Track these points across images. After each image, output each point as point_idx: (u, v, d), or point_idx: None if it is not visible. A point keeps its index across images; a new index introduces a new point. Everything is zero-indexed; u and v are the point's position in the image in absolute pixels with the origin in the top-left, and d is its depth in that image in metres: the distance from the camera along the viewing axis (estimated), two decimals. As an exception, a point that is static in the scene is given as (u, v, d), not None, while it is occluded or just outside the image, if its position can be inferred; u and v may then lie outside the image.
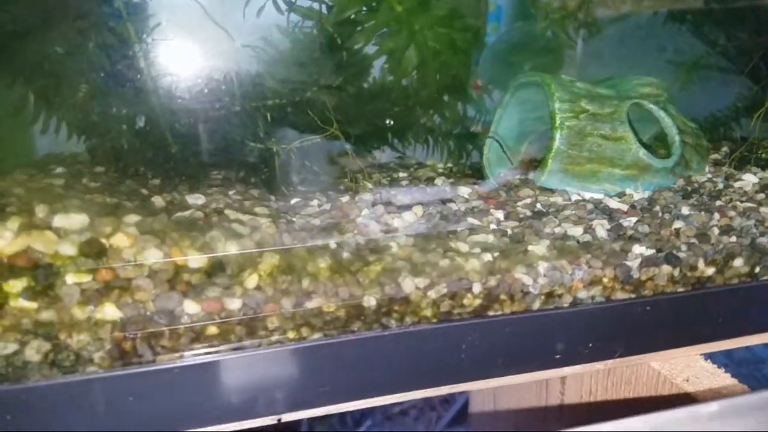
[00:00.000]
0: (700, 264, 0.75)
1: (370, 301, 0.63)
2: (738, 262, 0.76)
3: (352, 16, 0.73)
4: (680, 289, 0.74)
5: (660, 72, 1.16)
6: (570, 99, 0.93)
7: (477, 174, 1.04)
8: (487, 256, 0.70)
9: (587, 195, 0.93)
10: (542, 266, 0.70)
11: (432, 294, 0.66)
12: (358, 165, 0.97)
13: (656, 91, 1.02)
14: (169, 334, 0.59)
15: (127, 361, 0.58)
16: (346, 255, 0.66)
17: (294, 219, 0.75)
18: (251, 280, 0.60)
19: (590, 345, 0.69)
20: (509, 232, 0.79)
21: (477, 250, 0.73)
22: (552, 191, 0.94)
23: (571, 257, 0.72)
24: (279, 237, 0.64)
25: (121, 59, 0.77)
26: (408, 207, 0.84)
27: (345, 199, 0.85)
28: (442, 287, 0.66)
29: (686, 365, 0.85)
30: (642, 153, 0.94)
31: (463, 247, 0.73)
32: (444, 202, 0.88)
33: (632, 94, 1.00)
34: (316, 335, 0.61)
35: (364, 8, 0.73)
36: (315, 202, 0.84)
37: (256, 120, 0.85)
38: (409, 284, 0.64)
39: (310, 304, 0.60)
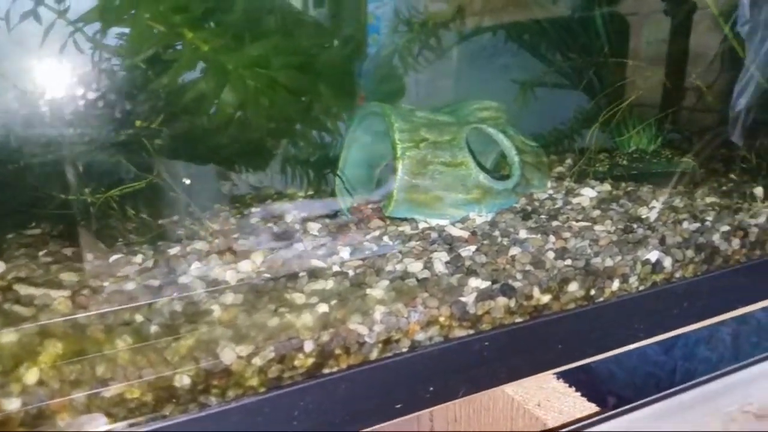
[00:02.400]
0: (536, 292, 0.71)
1: (183, 380, 0.54)
2: (573, 287, 0.73)
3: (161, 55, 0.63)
4: (518, 320, 0.71)
5: (506, 91, 1.15)
6: (410, 128, 0.88)
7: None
8: (323, 307, 0.63)
9: (434, 222, 0.88)
10: (378, 312, 0.63)
11: (257, 361, 0.58)
12: (195, 206, 0.87)
13: (495, 114, 0.99)
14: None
15: None
16: (155, 328, 0.56)
17: (105, 284, 0.64)
18: (31, 375, 0.49)
19: (431, 389, 0.64)
20: (351, 274, 0.72)
21: (314, 299, 0.65)
22: (402, 220, 0.89)
23: (408, 298, 0.66)
24: (73, 313, 0.54)
25: None
26: (247, 253, 0.76)
27: (175, 250, 0.75)
28: (269, 352, 0.58)
29: (538, 387, 0.82)
30: (482, 177, 0.90)
31: (300, 298, 0.65)
32: (290, 242, 0.80)
33: (471, 119, 0.97)
34: (120, 426, 0.51)
35: (177, 45, 0.64)
36: (139, 258, 0.73)
37: (72, 167, 0.73)
38: (229, 354, 0.56)
39: (109, 393, 0.50)
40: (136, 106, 0.69)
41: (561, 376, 0.83)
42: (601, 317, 0.75)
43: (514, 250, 0.77)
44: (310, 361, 0.60)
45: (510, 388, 0.81)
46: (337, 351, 0.61)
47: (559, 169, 1.12)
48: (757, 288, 0.84)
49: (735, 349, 1.52)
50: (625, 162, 0.98)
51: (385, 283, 0.69)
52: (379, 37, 1.15)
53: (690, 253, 0.80)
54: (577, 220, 0.86)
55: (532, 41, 1.05)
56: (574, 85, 1.04)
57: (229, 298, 0.64)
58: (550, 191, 1.00)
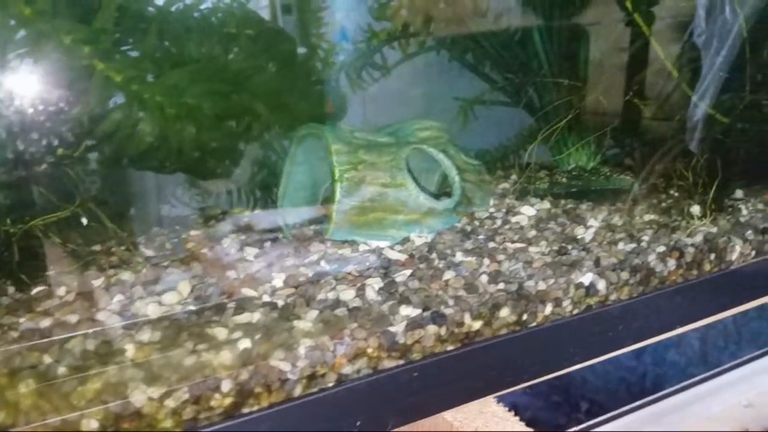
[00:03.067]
0: (467, 319, 0.70)
1: (90, 424, 0.52)
2: (504, 312, 0.72)
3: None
4: (450, 347, 0.69)
5: (452, 110, 1.14)
6: (348, 150, 0.86)
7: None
8: (245, 343, 0.61)
9: (375, 243, 0.87)
10: (303, 347, 0.62)
11: (171, 402, 0.55)
12: (132, 231, 0.84)
13: (436, 133, 0.98)
14: None
15: None
16: (63, 369, 0.54)
17: (20, 320, 0.61)
18: None
19: (358, 423, 0.62)
20: (280, 304, 0.70)
21: (238, 334, 0.63)
22: (343, 243, 0.87)
23: (335, 330, 0.64)
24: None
25: None
26: (175, 284, 0.73)
27: (99, 281, 0.72)
28: (184, 392, 0.56)
29: (479, 412, 0.81)
30: (422, 197, 0.89)
31: (222, 333, 0.63)
32: (222, 270, 0.78)
33: (412, 140, 0.95)
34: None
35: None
36: (62, 290, 0.70)
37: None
38: (140, 396, 0.54)
39: (7, 445, 0.48)
40: (59, 134, 0.66)
41: (500, 399, 0.83)
42: (534, 342, 0.74)
43: (449, 274, 0.76)
44: (228, 400, 0.58)
45: (449, 414, 0.80)
46: (258, 389, 0.59)
47: (504, 185, 1.11)
48: (695, 308, 0.84)
49: (703, 353, 1.54)
50: (564, 180, 0.98)
51: (315, 313, 0.67)
52: (347, 46, 1.13)
53: (625, 275, 0.80)
54: (513, 241, 0.85)
55: (475, 59, 1.04)
56: (516, 102, 1.03)
57: (146, 335, 0.61)
58: (492, 209, 0.99)
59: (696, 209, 0.88)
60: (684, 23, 0.98)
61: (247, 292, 0.72)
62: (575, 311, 0.77)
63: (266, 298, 0.70)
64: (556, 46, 0.95)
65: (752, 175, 1.00)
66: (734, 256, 0.88)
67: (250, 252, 0.82)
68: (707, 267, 0.86)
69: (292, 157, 0.90)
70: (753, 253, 0.90)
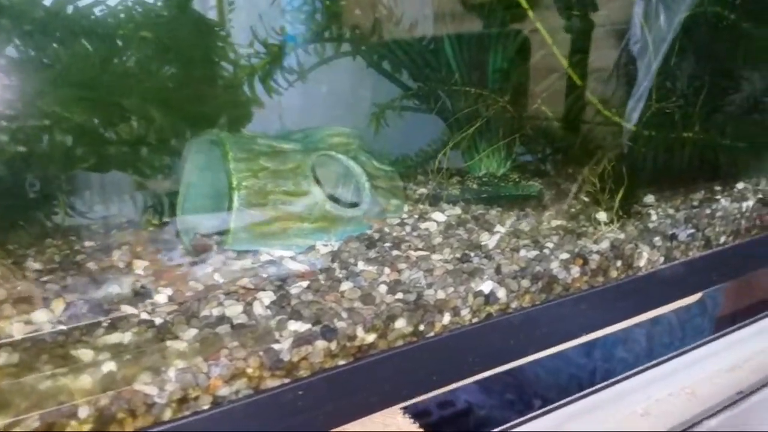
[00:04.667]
0: (359, 332, 0.67)
1: None
2: (400, 323, 0.69)
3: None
4: (341, 362, 0.66)
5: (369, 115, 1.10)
6: (247, 157, 0.81)
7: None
8: (110, 366, 0.56)
9: (278, 253, 0.82)
10: (173, 369, 0.57)
11: (19, 430, 0.50)
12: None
13: (346, 140, 0.94)
14: None
15: None
16: None
17: None
18: None
19: (236, 446, 0.58)
20: (158, 322, 0.65)
21: (104, 356, 0.58)
22: (245, 253, 0.83)
23: (212, 350, 0.60)
24: None
25: None
26: (49, 300, 0.67)
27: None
28: (34, 420, 0.51)
29: (383, 425, 0.77)
30: (329, 205, 0.86)
31: (87, 355, 0.58)
32: (101, 285, 0.72)
33: (321, 146, 0.91)
34: None
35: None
36: None
37: None
38: (-24, 430, 0.48)
39: None
40: None
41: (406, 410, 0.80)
42: (432, 353, 0.70)
43: (346, 285, 0.72)
44: (87, 427, 0.53)
45: (352, 427, 0.77)
46: (120, 414, 0.54)
47: (423, 190, 1.09)
48: (601, 315, 0.83)
49: (649, 349, 1.54)
50: (475, 186, 0.96)
51: (193, 332, 0.62)
52: (297, 47, 1.08)
53: (526, 282, 0.77)
54: (417, 249, 0.82)
55: (392, 66, 1.01)
56: (429, 109, 1.00)
57: (1, 357, 0.56)
58: (405, 216, 0.96)
59: (602, 215, 0.87)
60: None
61: (126, 309, 0.67)
62: (474, 320, 0.74)
63: (144, 316, 0.65)
64: (467, 54, 0.92)
65: (664, 181, 0.99)
66: (642, 263, 0.87)
67: (139, 264, 0.77)
68: (614, 274, 0.85)
69: (191, 163, 0.85)
70: (661, 259, 0.89)
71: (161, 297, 0.69)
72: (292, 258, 0.79)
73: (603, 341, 1.39)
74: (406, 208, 0.99)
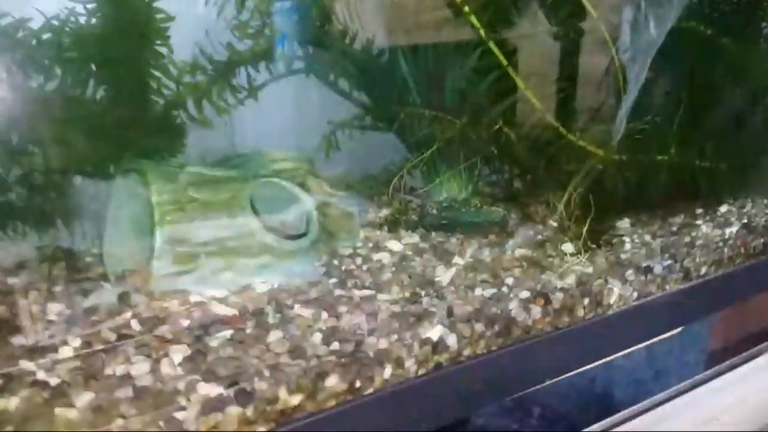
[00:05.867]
0: (282, 393, 0.58)
1: None
2: (332, 381, 0.61)
3: None
4: (260, 429, 0.57)
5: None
6: (173, 189, 0.73)
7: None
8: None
9: (209, 293, 0.74)
10: (51, 447, 0.49)
11: None
12: None
13: (293, 165, 0.85)
14: None
15: None
16: None
17: None
18: None
19: None
20: (54, 383, 0.56)
21: (-24, 429, 0.50)
22: (174, 292, 0.74)
23: (105, 420, 0.52)
24: None
25: None
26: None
27: None
28: None
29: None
30: (269, 238, 0.77)
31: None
32: (9, 333, 0.64)
33: (263, 172, 0.83)
34: None
35: None
36: None
37: None
38: None
39: None
40: None
41: None
42: (370, 413, 0.62)
43: (274, 335, 0.63)
44: None
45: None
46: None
47: (385, 213, 1.00)
48: (564, 357, 0.74)
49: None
50: (434, 211, 0.87)
51: (89, 396, 0.54)
52: (288, 53, 1.00)
53: (480, 326, 0.69)
54: (363, 287, 0.73)
55: (350, 84, 0.93)
56: (388, 128, 0.92)
57: None
58: (360, 245, 0.87)
59: (568, 246, 0.78)
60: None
61: (25, 365, 0.58)
62: (421, 371, 0.66)
63: (41, 375, 0.57)
64: (423, 70, 0.84)
65: (641, 203, 0.90)
66: (612, 300, 0.78)
67: (53, 309, 0.69)
68: (581, 313, 0.76)
69: (116, 196, 0.76)
70: (635, 294, 0.80)
71: (66, 350, 0.61)
72: (221, 300, 0.70)
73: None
74: (362, 234, 0.90)
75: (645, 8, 0.91)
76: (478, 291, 0.71)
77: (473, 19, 0.72)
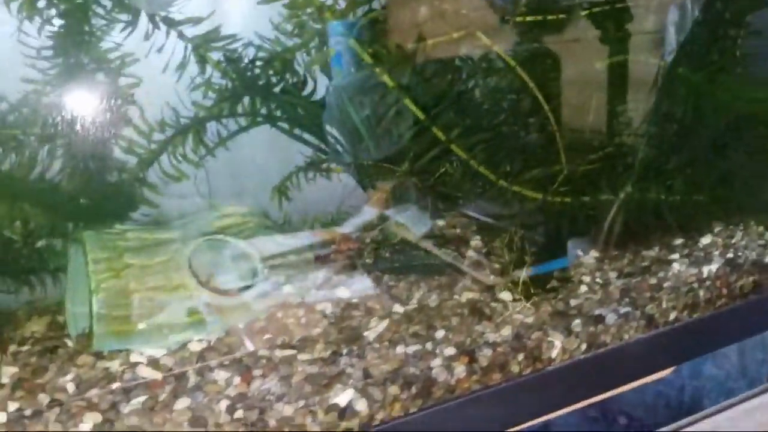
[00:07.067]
0: (173, 466, 0.58)
1: None
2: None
3: None
4: (151, 502, 0.58)
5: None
6: (108, 257, 0.75)
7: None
8: None
9: (149, 352, 0.75)
10: None
11: None
12: None
13: (240, 220, 0.85)
14: None
15: None
16: None
17: None
18: None
19: None
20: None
21: None
22: (118, 352, 0.76)
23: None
24: None
25: None
26: None
27: None
28: None
29: None
30: (205, 296, 0.78)
31: None
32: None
33: (207, 230, 0.84)
34: None
35: None
36: None
37: None
38: None
39: None
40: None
41: None
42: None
43: (182, 403, 0.64)
44: None
45: None
46: None
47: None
48: (492, 419, 0.68)
49: (742, 365, 1.36)
50: (387, 254, 0.84)
51: (-4, 469, 0.57)
52: (343, 71, 1.03)
53: (394, 389, 0.65)
54: (287, 345, 0.72)
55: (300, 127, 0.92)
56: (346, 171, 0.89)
57: None
58: (313, 293, 0.86)
59: (506, 294, 0.72)
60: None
61: (-41, 433, 0.63)
62: (325, 440, 0.63)
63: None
64: (370, 116, 0.81)
65: (607, 237, 0.82)
66: (554, 354, 0.71)
67: (8, 371, 0.73)
68: (516, 368, 0.70)
69: (72, 262, 0.80)
70: (583, 346, 0.72)
71: (2, 416, 0.65)
72: (150, 362, 0.71)
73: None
74: (319, 277, 0.89)
75: (691, 9, 0.84)
76: (399, 348, 0.68)
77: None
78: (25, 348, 0.78)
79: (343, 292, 0.83)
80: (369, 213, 0.92)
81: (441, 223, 0.89)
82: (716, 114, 0.73)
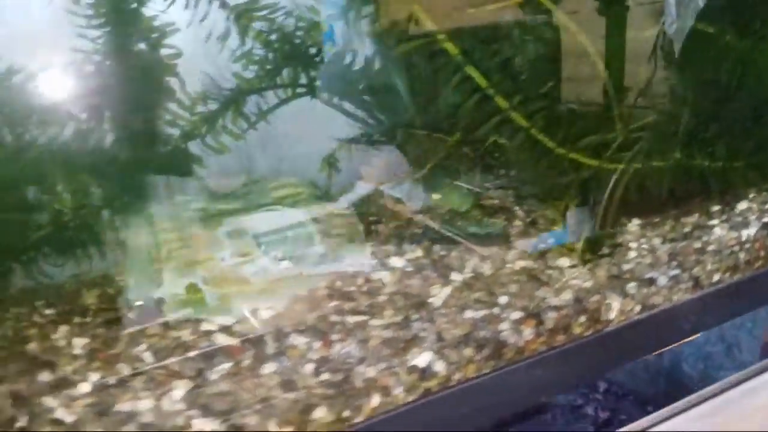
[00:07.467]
0: (272, 427, 0.60)
1: None
2: (320, 413, 0.62)
3: None
4: (252, 464, 0.60)
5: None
6: (179, 225, 0.76)
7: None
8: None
9: (220, 321, 0.77)
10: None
11: None
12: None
13: (294, 191, 0.86)
14: None
15: None
16: None
17: None
18: None
19: None
20: (70, 420, 0.60)
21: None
22: (186, 322, 0.77)
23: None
24: None
25: None
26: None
27: None
28: None
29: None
30: (270, 265, 0.79)
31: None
32: (38, 369, 0.70)
33: (264, 201, 0.85)
34: None
35: None
36: None
37: None
38: None
39: None
40: None
41: None
42: (360, 440, 0.64)
43: (267, 368, 0.66)
44: None
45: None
46: None
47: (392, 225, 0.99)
48: (560, 377, 0.72)
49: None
50: (436, 225, 0.86)
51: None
52: (335, 46, 1.02)
53: (469, 351, 0.68)
54: (357, 312, 0.74)
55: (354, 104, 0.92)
56: (394, 144, 0.90)
57: None
58: (366, 261, 0.88)
59: (564, 260, 0.75)
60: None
61: (47, 401, 0.64)
62: (409, 399, 0.66)
63: (60, 412, 0.62)
64: (419, 86, 0.82)
65: (652, 203, 0.85)
66: (612, 315, 0.75)
67: (79, 343, 0.74)
68: (578, 330, 0.73)
69: (133, 232, 0.80)
70: (638, 308, 0.76)
71: (85, 386, 0.66)
72: (226, 329, 0.73)
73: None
74: (369, 251, 0.91)
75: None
76: (468, 313, 0.71)
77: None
78: (88, 319, 0.79)
79: (396, 262, 0.85)
80: (363, 188, 0.93)
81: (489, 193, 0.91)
82: (759, 82, 0.76)
